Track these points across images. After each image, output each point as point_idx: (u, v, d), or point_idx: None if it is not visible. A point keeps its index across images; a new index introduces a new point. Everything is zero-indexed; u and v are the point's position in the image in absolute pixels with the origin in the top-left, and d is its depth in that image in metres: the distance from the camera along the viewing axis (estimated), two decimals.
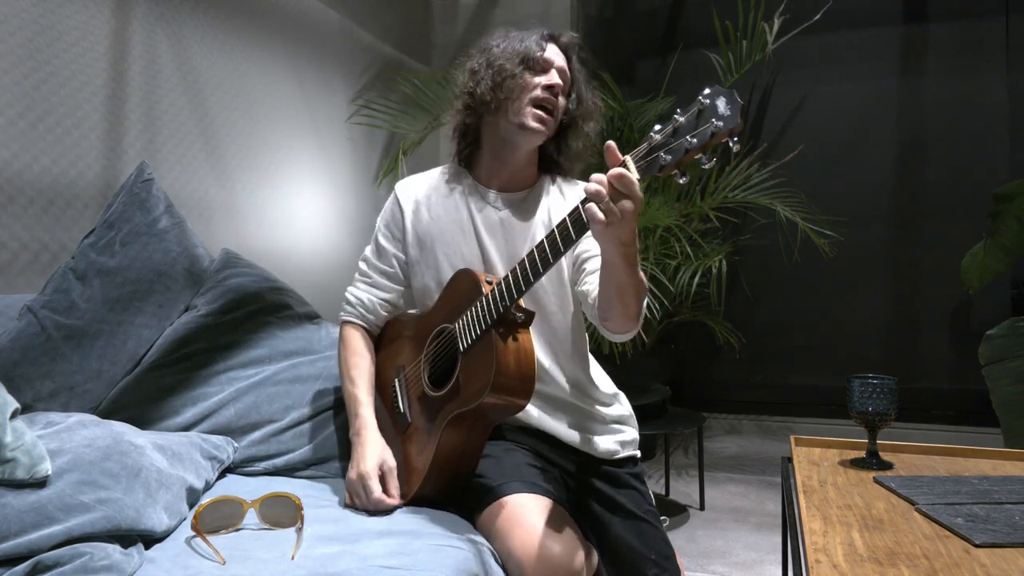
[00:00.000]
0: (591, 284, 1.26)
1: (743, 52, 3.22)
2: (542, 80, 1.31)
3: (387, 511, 1.20)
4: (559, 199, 1.40)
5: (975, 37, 3.47)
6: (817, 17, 3.40)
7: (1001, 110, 3.43)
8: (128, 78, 1.95)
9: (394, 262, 1.42)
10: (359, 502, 1.22)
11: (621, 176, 0.94)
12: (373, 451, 1.25)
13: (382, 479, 1.22)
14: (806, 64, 3.74)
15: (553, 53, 1.34)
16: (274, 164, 2.55)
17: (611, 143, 0.97)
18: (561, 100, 1.34)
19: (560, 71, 1.34)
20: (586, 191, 0.96)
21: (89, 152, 1.82)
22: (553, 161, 1.42)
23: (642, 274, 1.11)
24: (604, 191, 0.94)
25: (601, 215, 0.95)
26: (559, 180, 1.44)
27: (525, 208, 1.38)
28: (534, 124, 1.30)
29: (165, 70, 2.07)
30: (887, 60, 3.64)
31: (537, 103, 1.30)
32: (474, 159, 1.42)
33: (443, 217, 1.38)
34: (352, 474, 1.24)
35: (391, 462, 1.25)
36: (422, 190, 1.43)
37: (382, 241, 1.43)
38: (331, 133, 2.91)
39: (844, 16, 3.56)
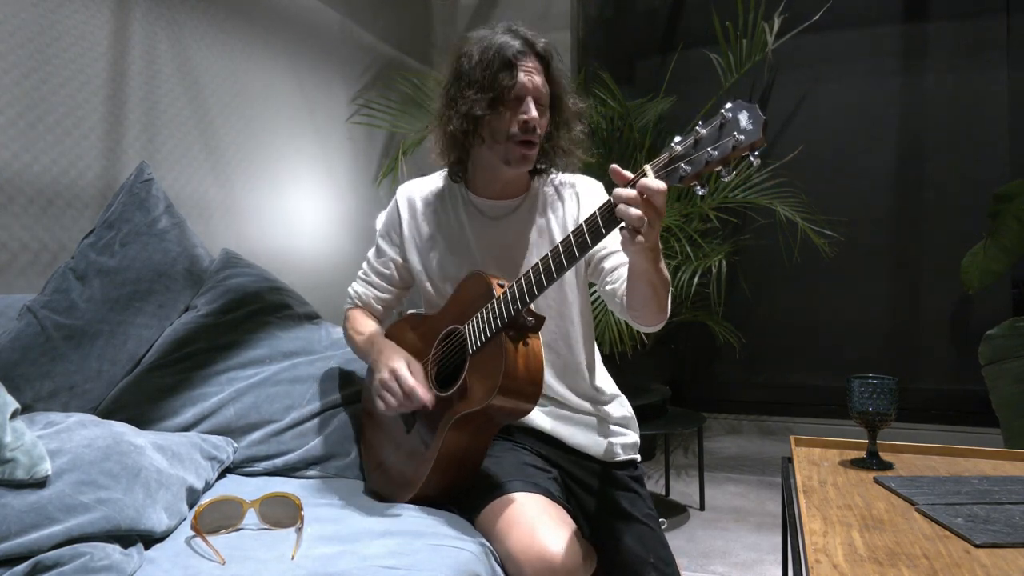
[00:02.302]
0: (615, 283, 1.26)
1: (743, 52, 3.22)
2: (518, 115, 1.24)
3: (418, 406, 1.18)
4: (555, 200, 1.38)
5: (975, 36, 3.47)
6: (817, 17, 3.40)
7: (1002, 109, 3.42)
8: (128, 78, 1.95)
9: (391, 264, 1.44)
10: (390, 398, 1.19)
11: (654, 192, 0.94)
12: (397, 352, 1.24)
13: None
14: (806, 64, 3.73)
15: (527, 75, 1.24)
16: (274, 164, 2.54)
17: (615, 167, 0.98)
18: (543, 121, 1.28)
19: (535, 92, 1.25)
20: (622, 216, 0.96)
21: (89, 152, 1.82)
22: (545, 157, 1.37)
23: (664, 268, 1.12)
24: (641, 213, 0.94)
25: (641, 237, 0.96)
26: (553, 179, 1.40)
27: (520, 216, 1.36)
28: (519, 160, 1.27)
29: (165, 70, 2.07)
30: (887, 59, 3.64)
31: (517, 139, 1.25)
32: (466, 170, 1.38)
33: (437, 229, 1.39)
34: (380, 375, 1.22)
35: (417, 364, 1.24)
36: (420, 196, 1.42)
37: (381, 243, 1.45)
38: (331, 133, 2.90)
39: (844, 15, 3.55)
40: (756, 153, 0.90)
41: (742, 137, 0.88)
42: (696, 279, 2.94)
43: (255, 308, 1.63)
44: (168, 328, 1.57)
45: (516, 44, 1.25)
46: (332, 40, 2.92)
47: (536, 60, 1.27)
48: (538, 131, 1.26)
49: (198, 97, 2.20)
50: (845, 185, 3.67)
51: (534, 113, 1.24)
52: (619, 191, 0.97)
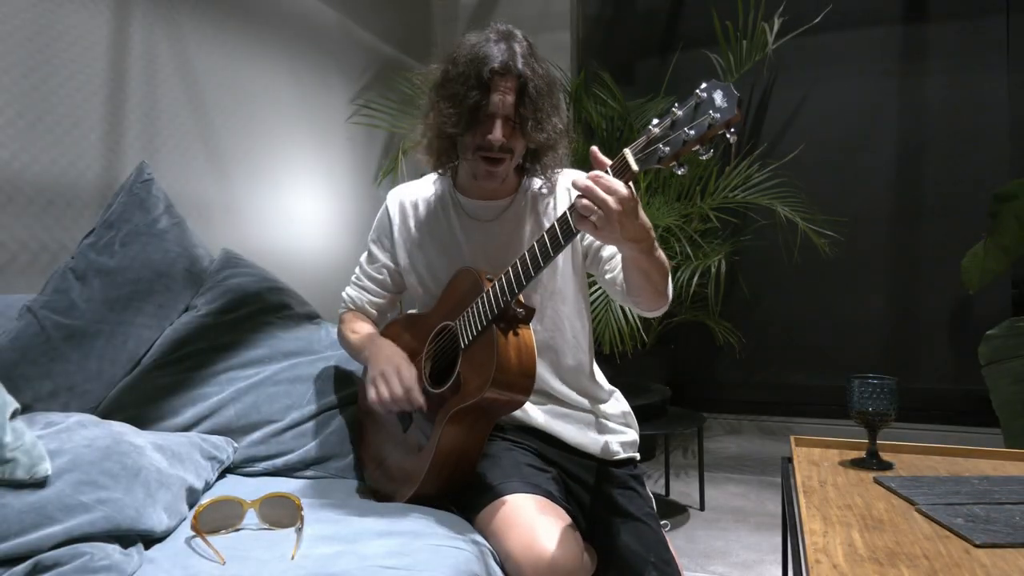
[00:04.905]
0: (614, 271, 1.29)
1: (743, 52, 3.22)
2: (484, 136, 1.23)
3: (408, 406, 1.20)
4: (546, 196, 1.38)
5: (975, 37, 3.47)
6: (818, 20, 3.40)
7: (1001, 110, 3.42)
8: (128, 78, 1.95)
9: (383, 270, 1.45)
10: (384, 390, 1.21)
11: (608, 189, 0.97)
12: (397, 352, 1.27)
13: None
14: (806, 64, 3.73)
15: (500, 99, 1.22)
16: (274, 164, 2.54)
17: (594, 149, 1.01)
18: (515, 142, 1.26)
19: (506, 116, 1.23)
20: (578, 204, 0.99)
21: (89, 152, 1.82)
22: (532, 165, 1.37)
23: (661, 253, 1.15)
24: (591, 204, 0.98)
25: (594, 225, 0.99)
26: (542, 175, 1.38)
27: (510, 216, 1.36)
28: (484, 176, 1.28)
29: (165, 70, 2.07)
30: (887, 60, 3.64)
31: (482, 155, 1.25)
32: (456, 170, 1.40)
33: (429, 232, 1.40)
34: (381, 368, 1.23)
35: (413, 367, 1.25)
36: (410, 200, 1.43)
37: (373, 248, 1.46)
38: (331, 133, 2.90)
39: (844, 16, 3.55)
40: (732, 131, 0.92)
41: (718, 115, 0.91)
42: (695, 279, 2.94)
43: (255, 308, 1.63)
44: (168, 328, 1.56)
45: (495, 63, 1.22)
46: (332, 40, 2.92)
47: (512, 78, 1.23)
48: (508, 147, 1.25)
49: (198, 97, 2.19)
50: (845, 185, 3.67)
51: (498, 133, 1.23)
52: (576, 180, 1.00)
